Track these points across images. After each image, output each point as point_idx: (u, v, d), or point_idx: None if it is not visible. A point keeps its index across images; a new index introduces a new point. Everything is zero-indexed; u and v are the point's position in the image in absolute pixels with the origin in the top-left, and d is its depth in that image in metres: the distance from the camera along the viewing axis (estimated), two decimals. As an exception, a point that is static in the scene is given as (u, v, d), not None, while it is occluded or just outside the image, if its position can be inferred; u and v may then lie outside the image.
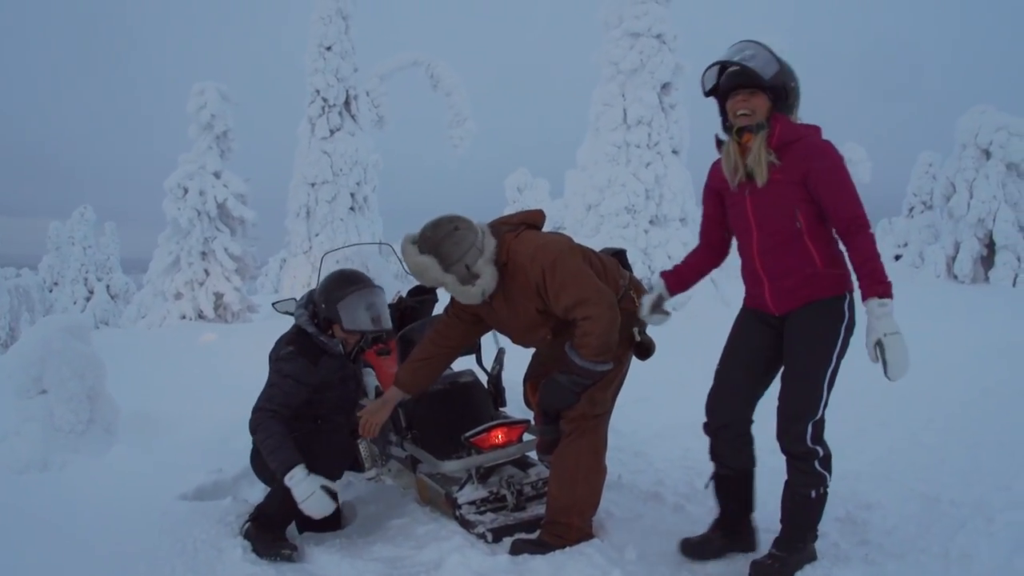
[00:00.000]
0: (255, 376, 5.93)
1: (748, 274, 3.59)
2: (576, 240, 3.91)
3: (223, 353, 11.63)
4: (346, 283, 4.23)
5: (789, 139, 3.36)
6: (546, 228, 4.00)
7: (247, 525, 4.03)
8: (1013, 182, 24.03)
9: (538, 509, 4.12)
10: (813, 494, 3.46)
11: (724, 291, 14.85)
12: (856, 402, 6.59)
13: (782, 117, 3.40)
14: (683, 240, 14.45)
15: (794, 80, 3.43)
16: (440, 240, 3.64)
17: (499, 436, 4.15)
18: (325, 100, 17.76)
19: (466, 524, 4.06)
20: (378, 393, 4.59)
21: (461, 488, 4.20)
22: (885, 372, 3.20)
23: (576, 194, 16.52)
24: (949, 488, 4.45)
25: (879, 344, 3.18)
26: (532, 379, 4.23)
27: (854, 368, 7.29)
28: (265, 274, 44.78)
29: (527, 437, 4.30)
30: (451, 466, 4.16)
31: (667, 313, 3.81)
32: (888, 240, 37.08)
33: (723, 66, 3.45)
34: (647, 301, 3.77)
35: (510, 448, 4.19)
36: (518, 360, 4.64)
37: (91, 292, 40.44)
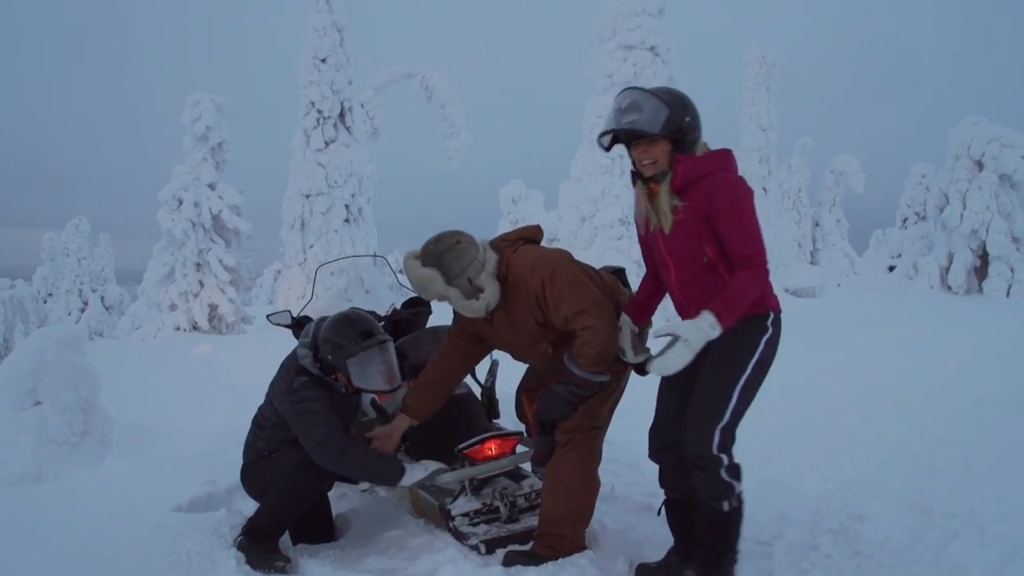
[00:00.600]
0: (249, 387, 5.94)
1: (675, 304, 3.60)
2: (572, 253, 3.93)
3: (217, 364, 11.63)
4: (356, 336, 4.08)
5: (693, 177, 3.34)
6: (543, 242, 4.02)
7: (240, 538, 4.02)
8: (1006, 193, 24.12)
9: (531, 520, 4.12)
10: (725, 506, 3.40)
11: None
12: (849, 413, 6.63)
13: (684, 157, 3.36)
14: (677, 251, 14.45)
15: (689, 114, 3.38)
16: (442, 253, 3.66)
17: (492, 448, 4.16)
18: (320, 112, 17.79)
19: (459, 536, 4.06)
20: (376, 407, 4.59)
21: (454, 500, 4.20)
22: (648, 360, 3.39)
23: (570, 206, 16.57)
24: (942, 499, 4.45)
25: (673, 339, 3.26)
26: (527, 391, 4.24)
27: (845, 380, 7.34)
28: (260, 285, 44.73)
29: (520, 449, 4.31)
30: (445, 478, 4.17)
31: (647, 349, 3.74)
32: (882, 251, 37.24)
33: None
34: (627, 344, 3.67)
35: (503, 460, 4.19)
36: (511, 372, 4.65)
37: (85, 303, 40.39)
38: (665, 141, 3.34)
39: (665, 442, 3.63)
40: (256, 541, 3.97)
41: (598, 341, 3.52)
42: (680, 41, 16.11)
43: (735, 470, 3.44)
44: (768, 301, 3.39)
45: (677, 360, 3.25)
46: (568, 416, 3.70)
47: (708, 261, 3.36)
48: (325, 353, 4.07)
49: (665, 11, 15.73)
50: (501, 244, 3.81)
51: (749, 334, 3.34)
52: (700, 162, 3.37)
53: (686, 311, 3.48)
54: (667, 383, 3.65)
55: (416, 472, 3.91)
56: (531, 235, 3.94)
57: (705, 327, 3.21)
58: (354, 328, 4.11)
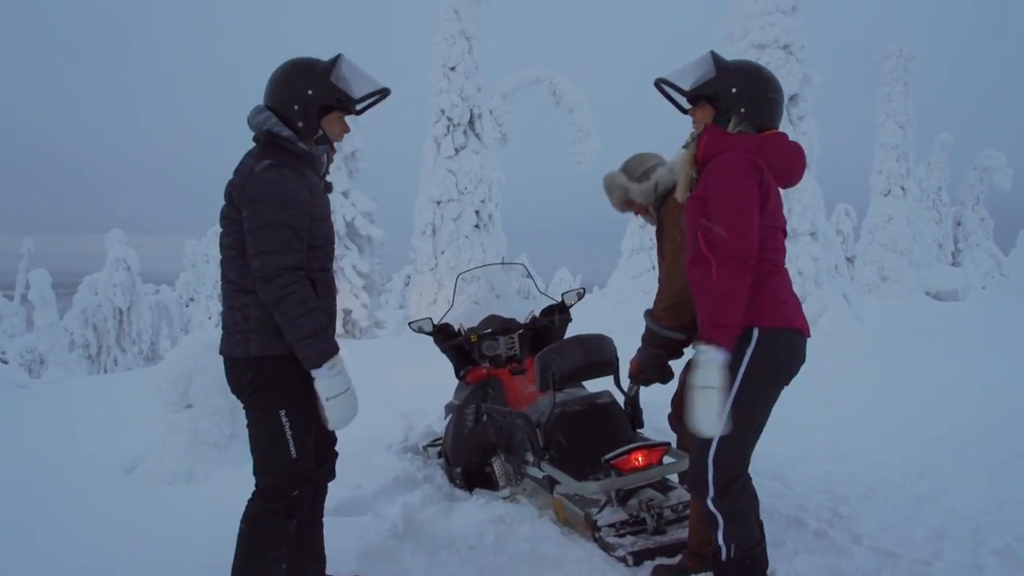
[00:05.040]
0: (384, 391, 6.03)
1: None
2: None
3: (352, 368, 11.79)
4: (318, 60, 3.26)
5: (712, 152, 3.07)
6: None
7: None
8: None
9: (678, 533, 4.06)
10: (722, 554, 3.03)
11: (857, 307, 14.42)
12: (1006, 424, 6.32)
13: (713, 128, 3.13)
14: (814, 255, 14.05)
15: (740, 85, 3.11)
16: (627, 161, 4.24)
17: (639, 458, 4.10)
18: (450, 119, 18.00)
19: (606, 547, 4.03)
20: (521, 415, 4.61)
21: (600, 510, 4.17)
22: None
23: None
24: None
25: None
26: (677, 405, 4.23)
27: (999, 389, 6.99)
28: (390, 290, 45.68)
29: (667, 460, 4.24)
30: (591, 487, 4.12)
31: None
32: (1030, 252, 35.45)
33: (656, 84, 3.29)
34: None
35: (650, 471, 4.13)
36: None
37: (224, 308, 41.98)
38: (708, 106, 3.16)
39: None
40: None
41: (667, 295, 3.73)
42: (815, 39, 15.67)
43: (735, 516, 3.04)
44: (749, 319, 2.98)
45: (700, 412, 2.86)
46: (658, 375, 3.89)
47: (697, 250, 3.03)
48: (300, 92, 3.18)
49: (799, 8, 15.32)
50: None
51: (732, 352, 2.94)
52: (722, 137, 3.09)
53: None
54: None
55: (343, 377, 3.16)
56: None
57: (700, 360, 2.88)
58: (309, 59, 3.27)
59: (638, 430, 4.62)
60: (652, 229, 4.21)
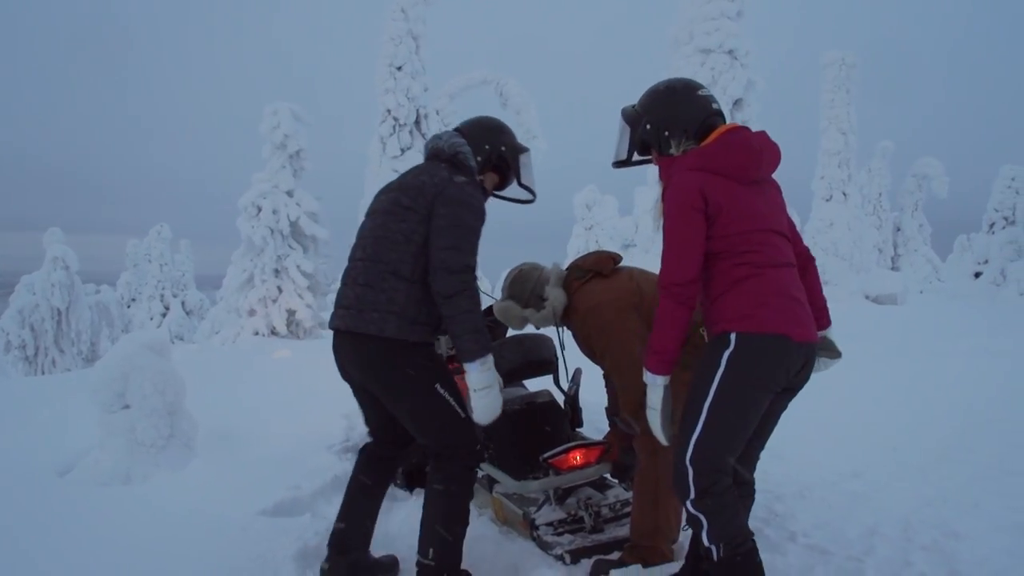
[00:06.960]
0: (326, 391, 6.00)
1: None
2: (646, 263, 3.95)
3: (296, 369, 11.75)
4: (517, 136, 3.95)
5: (666, 183, 3.17)
6: (616, 247, 4.04)
7: None
8: (1100, 197, 23.32)
9: (616, 531, 4.08)
10: (713, 554, 2.97)
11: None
12: (938, 426, 6.45)
13: (660, 159, 3.27)
14: (756, 258, 14.24)
15: (653, 119, 3.28)
16: (510, 284, 4.24)
17: (577, 457, 4.12)
18: (396, 119, 17.93)
19: (544, 545, 4.04)
20: None
21: (539, 509, 4.18)
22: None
23: (646, 211, 16.43)
24: (1043, 518, 4.29)
25: None
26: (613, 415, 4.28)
27: (932, 392, 7.14)
28: (334, 290, 45.32)
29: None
30: (529, 487, 4.13)
31: None
32: (966, 257, 36.26)
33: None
34: (656, 425, 3.23)
35: (588, 469, 4.15)
36: (595, 380, 4.60)
37: (167, 308, 41.32)
38: (655, 153, 3.31)
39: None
40: None
41: (629, 400, 3.60)
42: (759, 44, 15.87)
43: (715, 520, 2.98)
44: (726, 323, 3.02)
45: (650, 427, 3.20)
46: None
47: None
48: (496, 145, 3.80)
49: (744, 13, 15.52)
50: (572, 274, 4.03)
51: (711, 354, 3.03)
52: (669, 165, 3.20)
53: None
54: None
55: (493, 372, 3.36)
56: (601, 267, 3.99)
57: (646, 381, 3.14)
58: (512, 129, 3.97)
59: (577, 429, 4.64)
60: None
